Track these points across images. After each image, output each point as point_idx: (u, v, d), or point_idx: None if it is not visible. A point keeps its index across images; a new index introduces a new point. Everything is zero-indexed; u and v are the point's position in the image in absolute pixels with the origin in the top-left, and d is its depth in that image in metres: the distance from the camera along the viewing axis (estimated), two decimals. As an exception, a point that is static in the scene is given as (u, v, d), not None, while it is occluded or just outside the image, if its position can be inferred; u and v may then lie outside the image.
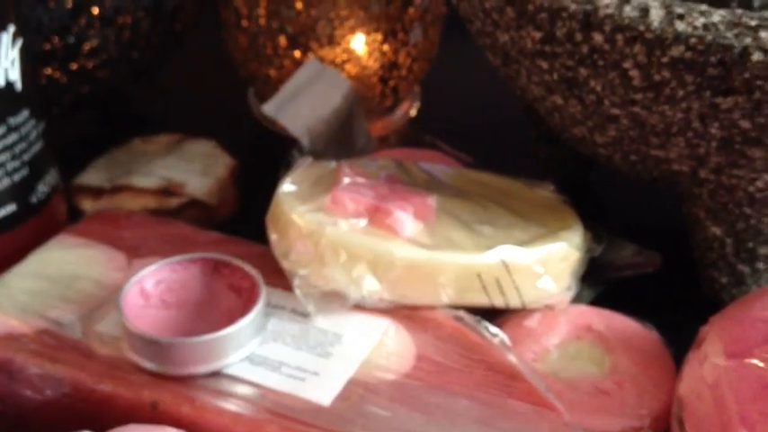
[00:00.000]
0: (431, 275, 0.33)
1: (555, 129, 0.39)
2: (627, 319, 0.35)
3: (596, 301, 0.37)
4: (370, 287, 0.32)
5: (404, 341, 0.32)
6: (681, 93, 0.31)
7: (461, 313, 0.33)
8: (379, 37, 0.48)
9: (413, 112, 0.54)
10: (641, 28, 0.30)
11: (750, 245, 0.37)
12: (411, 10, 0.48)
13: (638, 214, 0.46)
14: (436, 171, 0.40)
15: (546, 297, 0.35)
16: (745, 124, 0.31)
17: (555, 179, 0.42)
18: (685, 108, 0.31)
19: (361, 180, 0.36)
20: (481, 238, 0.34)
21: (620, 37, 0.30)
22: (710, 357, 0.30)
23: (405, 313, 0.33)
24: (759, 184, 0.34)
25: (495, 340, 0.31)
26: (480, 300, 0.34)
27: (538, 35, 0.33)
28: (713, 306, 0.34)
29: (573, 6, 0.31)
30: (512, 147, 0.48)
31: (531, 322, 0.35)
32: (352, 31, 0.48)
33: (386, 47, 0.49)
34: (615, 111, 0.33)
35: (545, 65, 0.34)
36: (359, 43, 0.48)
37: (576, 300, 0.36)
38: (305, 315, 0.33)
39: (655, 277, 0.39)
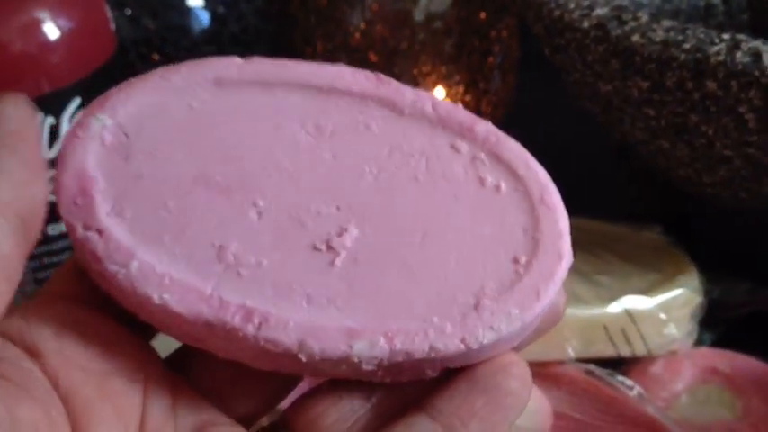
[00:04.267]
0: (557, 330, 0.32)
1: (658, 169, 0.39)
2: (751, 359, 0.35)
3: (715, 342, 0.37)
4: (499, 347, 0.32)
5: (539, 399, 0.32)
6: (799, 133, 0.31)
7: (592, 367, 0.33)
8: (461, 89, 0.49)
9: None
10: (756, 73, 0.30)
11: None
12: (490, 59, 0.49)
13: (738, 245, 0.46)
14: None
15: (670, 343, 0.34)
16: None
17: (650, 216, 0.41)
18: (803, 147, 0.31)
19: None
20: (601, 288, 0.34)
21: (734, 83, 0.30)
22: None
23: (534, 370, 0.33)
24: None
25: (632, 393, 0.31)
26: (607, 351, 0.34)
27: (645, 84, 0.33)
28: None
29: (683, 56, 0.31)
30: (600, 186, 0.48)
31: (657, 368, 0.35)
32: (435, 84, 0.48)
33: (468, 97, 0.49)
34: (728, 152, 0.33)
35: (652, 112, 0.34)
36: (441, 96, 0.49)
37: (697, 342, 0.36)
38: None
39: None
